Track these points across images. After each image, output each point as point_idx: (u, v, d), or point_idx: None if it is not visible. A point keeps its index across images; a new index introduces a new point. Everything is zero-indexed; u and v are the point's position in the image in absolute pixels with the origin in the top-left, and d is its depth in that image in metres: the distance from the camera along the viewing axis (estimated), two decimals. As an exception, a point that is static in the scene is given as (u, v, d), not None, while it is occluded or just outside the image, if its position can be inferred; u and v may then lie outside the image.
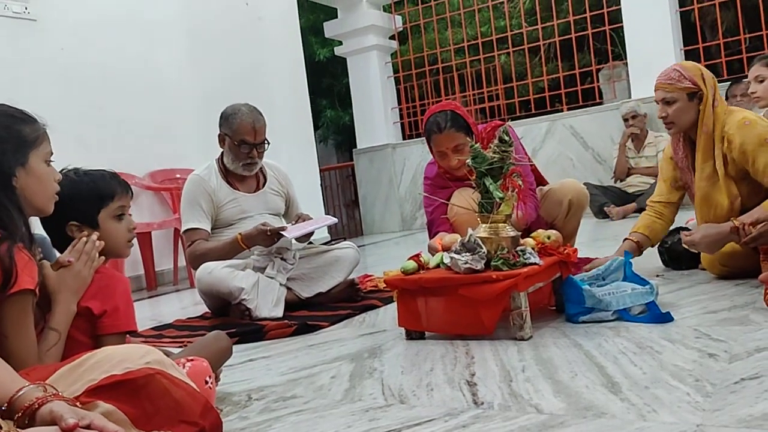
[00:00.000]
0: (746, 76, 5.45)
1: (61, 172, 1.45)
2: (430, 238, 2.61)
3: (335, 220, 3.11)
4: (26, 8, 4.24)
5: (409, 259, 2.09)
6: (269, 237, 2.69)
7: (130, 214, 1.59)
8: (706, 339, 1.64)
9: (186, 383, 1.12)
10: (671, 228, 2.77)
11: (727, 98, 5.34)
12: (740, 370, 1.37)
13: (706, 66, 6.42)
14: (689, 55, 6.28)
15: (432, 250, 2.37)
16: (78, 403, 0.98)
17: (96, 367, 1.08)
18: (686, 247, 2.43)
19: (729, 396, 1.23)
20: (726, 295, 2.12)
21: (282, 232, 2.68)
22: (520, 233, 2.02)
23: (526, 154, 2.75)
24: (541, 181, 2.89)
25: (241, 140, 2.84)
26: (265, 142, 2.90)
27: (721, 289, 2.21)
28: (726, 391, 1.26)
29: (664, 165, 2.65)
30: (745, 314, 1.84)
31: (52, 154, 1.36)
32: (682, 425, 1.13)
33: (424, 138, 2.64)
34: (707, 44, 6.36)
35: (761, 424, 1.09)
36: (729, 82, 5.42)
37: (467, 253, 1.89)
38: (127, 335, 1.47)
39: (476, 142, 1.98)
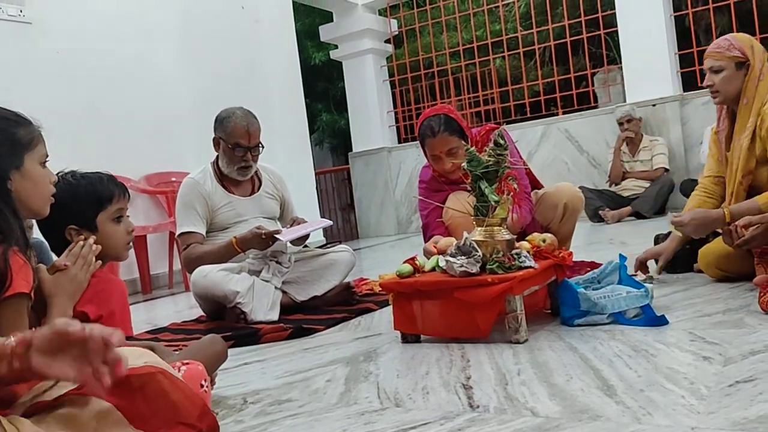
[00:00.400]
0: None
1: (57, 175, 1.45)
2: (425, 241, 2.61)
3: (330, 222, 3.11)
4: (21, 11, 4.24)
5: (404, 262, 2.09)
6: (264, 240, 2.69)
7: (128, 216, 1.59)
8: (701, 342, 1.65)
9: (186, 385, 1.12)
10: (664, 232, 2.78)
11: None
12: (735, 373, 1.38)
13: (701, 71, 6.46)
14: (684, 59, 6.32)
15: (427, 254, 2.37)
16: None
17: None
18: (673, 228, 2.44)
19: (724, 399, 1.24)
20: (720, 298, 2.13)
21: (277, 236, 2.68)
22: (515, 236, 2.02)
23: (520, 157, 2.76)
24: (536, 184, 2.90)
25: (236, 144, 2.84)
26: (260, 145, 2.90)
27: (715, 293, 2.22)
28: (721, 393, 1.27)
29: (711, 141, 2.67)
30: (740, 317, 1.85)
31: (47, 155, 1.35)
32: (677, 428, 1.13)
33: (418, 141, 2.64)
34: (702, 48, 6.38)
35: (756, 426, 1.09)
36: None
37: (463, 257, 1.89)
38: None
39: (470, 146, 1.99)
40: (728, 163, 2.46)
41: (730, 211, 2.24)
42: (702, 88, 6.15)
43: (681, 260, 2.66)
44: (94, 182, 1.53)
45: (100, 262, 1.45)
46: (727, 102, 2.47)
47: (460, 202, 2.38)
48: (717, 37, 2.61)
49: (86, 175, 1.54)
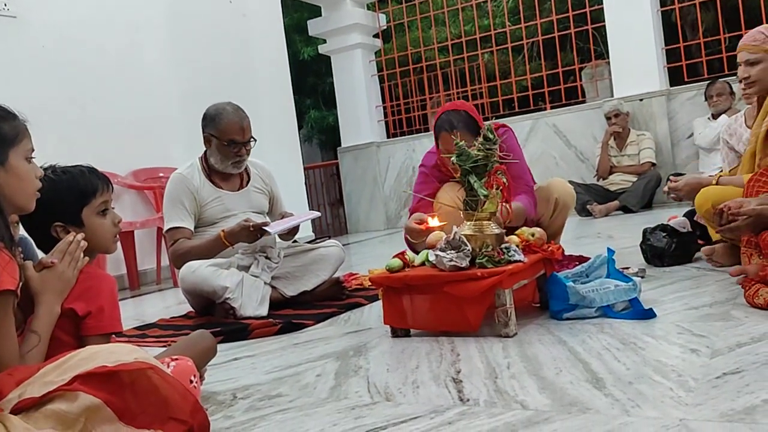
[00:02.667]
0: (721, 77, 5.54)
1: None
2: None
3: (318, 214, 3.10)
4: (5, 5, 4.19)
5: (394, 257, 2.09)
6: (252, 233, 2.67)
7: (113, 208, 1.57)
8: (689, 335, 1.66)
9: (177, 381, 1.12)
10: (652, 226, 2.80)
11: (705, 99, 5.43)
12: (722, 365, 1.39)
13: (687, 65, 6.49)
14: (670, 54, 6.35)
15: (411, 232, 2.35)
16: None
17: (81, 364, 1.07)
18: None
19: (711, 390, 1.25)
20: (707, 291, 2.15)
21: (265, 228, 2.67)
22: (504, 231, 2.03)
23: (523, 157, 2.75)
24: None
25: (230, 140, 2.82)
26: (252, 139, 2.89)
27: (702, 286, 2.24)
28: (708, 385, 1.28)
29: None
30: (726, 310, 1.86)
31: (33, 150, 1.33)
32: (665, 420, 1.14)
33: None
34: (688, 43, 6.43)
35: (743, 417, 1.10)
36: (707, 82, 5.51)
37: (452, 251, 1.90)
38: (112, 335, 1.46)
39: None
40: (747, 144, 2.52)
41: (719, 181, 2.34)
42: (688, 82, 6.20)
43: (668, 254, 2.68)
44: (76, 176, 1.50)
45: (87, 258, 1.43)
46: (763, 92, 2.52)
47: (450, 194, 2.39)
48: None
49: (67, 170, 1.51)
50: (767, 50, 2.44)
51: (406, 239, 2.57)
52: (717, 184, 2.44)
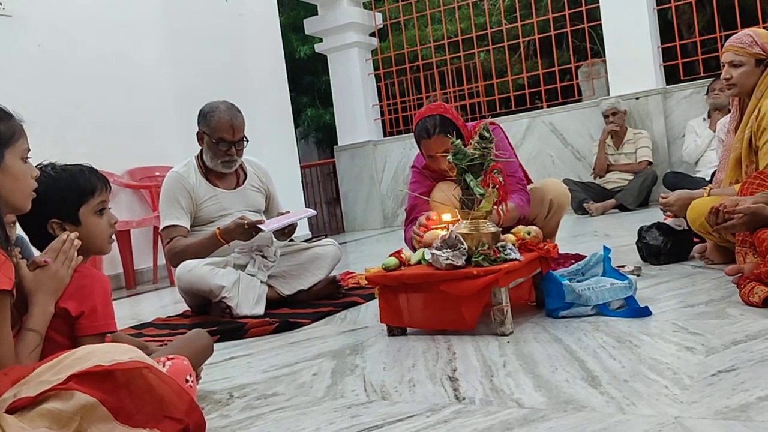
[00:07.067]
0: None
1: (36, 167, 1.42)
2: (407, 220, 2.61)
3: (314, 212, 3.10)
4: (1, 3, 4.18)
5: (390, 255, 2.09)
6: (247, 231, 2.67)
7: (110, 209, 1.56)
8: (684, 332, 1.67)
9: (173, 380, 1.12)
10: (648, 224, 2.81)
11: (707, 92, 5.46)
12: (717, 362, 1.39)
13: (683, 64, 6.49)
14: (666, 53, 6.36)
15: (420, 228, 2.35)
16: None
17: (76, 364, 1.07)
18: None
19: (706, 388, 1.25)
20: (703, 289, 2.15)
21: (260, 226, 2.66)
22: (500, 229, 2.03)
23: (514, 153, 2.75)
24: (527, 179, 2.91)
25: (220, 138, 2.82)
26: (244, 139, 2.89)
27: (698, 284, 2.25)
28: (703, 383, 1.28)
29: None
30: (722, 308, 1.87)
31: (29, 150, 1.33)
32: (660, 417, 1.14)
33: (413, 138, 2.65)
34: (684, 42, 6.44)
35: (738, 415, 1.11)
36: (710, 79, 5.54)
37: (448, 249, 1.90)
38: (107, 335, 1.45)
39: (466, 143, 1.98)
40: (731, 151, 2.52)
41: (710, 193, 2.34)
42: (684, 81, 6.22)
43: (664, 252, 2.68)
44: (76, 175, 1.50)
45: (81, 257, 1.43)
46: (741, 95, 2.52)
47: (445, 193, 2.39)
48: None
49: (67, 168, 1.51)
50: (752, 54, 2.44)
51: (410, 242, 2.56)
52: (708, 196, 2.44)
